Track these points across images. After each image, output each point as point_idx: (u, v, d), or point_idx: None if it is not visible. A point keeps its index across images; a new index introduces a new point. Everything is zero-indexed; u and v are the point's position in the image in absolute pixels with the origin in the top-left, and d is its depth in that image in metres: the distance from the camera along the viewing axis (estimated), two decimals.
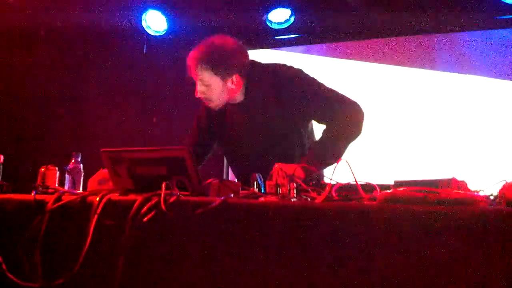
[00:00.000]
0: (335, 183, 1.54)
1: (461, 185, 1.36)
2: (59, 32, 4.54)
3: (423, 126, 4.49)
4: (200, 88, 2.25)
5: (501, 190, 1.35)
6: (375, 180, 1.56)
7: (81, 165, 2.19)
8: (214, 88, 2.23)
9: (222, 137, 2.44)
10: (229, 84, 2.23)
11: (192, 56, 2.23)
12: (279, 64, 2.35)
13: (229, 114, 2.37)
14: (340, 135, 2.18)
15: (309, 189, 1.65)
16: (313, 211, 1.35)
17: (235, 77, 2.23)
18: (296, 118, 2.28)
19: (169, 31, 4.73)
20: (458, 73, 4.50)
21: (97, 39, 4.85)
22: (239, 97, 2.30)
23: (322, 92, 2.25)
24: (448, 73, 4.53)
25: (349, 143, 2.19)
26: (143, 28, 4.69)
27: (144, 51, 4.86)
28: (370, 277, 1.24)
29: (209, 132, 2.46)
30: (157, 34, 4.73)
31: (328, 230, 1.30)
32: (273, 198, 1.59)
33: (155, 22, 4.69)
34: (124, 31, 4.79)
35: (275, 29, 4.39)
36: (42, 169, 2.09)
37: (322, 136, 2.23)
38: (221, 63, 2.20)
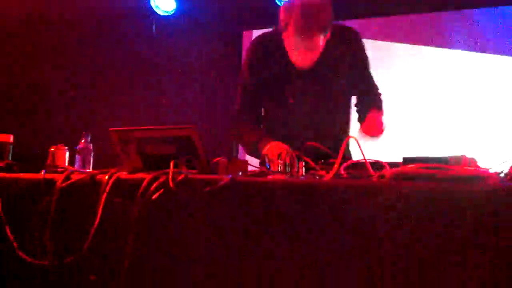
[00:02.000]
0: (344, 161, 1.54)
1: (472, 162, 1.34)
2: (69, 14, 4.54)
3: (433, 104, 4.46)
4: (308, 52, 2.12)
5: (511, 167, 1.34)
6: (385, 158, 1.55)
7: (91, 145, 2.20)
8: (318, 49, 2.11)
9: (279, 98, 2.32)
10: (321, 41, 2.10)
11: (315, 26, 2.02)
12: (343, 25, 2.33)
13: (295, 75, 2.25)
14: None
15: (318, 168, 1.64)
16: (321, 189, 1.34)
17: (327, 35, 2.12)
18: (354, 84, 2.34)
19: (177, 11, 4.71)
20: (468, 51, 4.45)
21: (105, 20, 4.84)
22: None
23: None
24: (459, 50, 4.47)
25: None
26: (152, 8, 4.67)
27: (153, 31, 4.84)
28: (378, 255, 1.23)
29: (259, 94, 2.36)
30: (166, 14, 4.71)
31: (336, 207, 1.29)
32: (281, 176, 1.58)
33: (163, 2, 4.67)
34: (132, 11, 4.78)
35: None
36: (52, 149, 2.10)
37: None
38: (329, 24, 2.08)
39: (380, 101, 2.35)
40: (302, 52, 2.11)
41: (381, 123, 2.09)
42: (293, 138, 2.14)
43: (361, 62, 2.32)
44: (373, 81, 2.39)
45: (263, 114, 2.42)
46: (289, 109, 2.29)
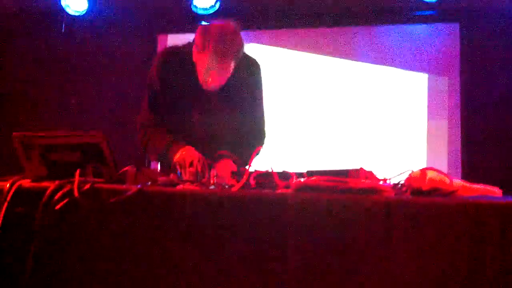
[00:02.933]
0: (253, 170, 1.58)
1: (369, 174, 1.43)
2: None
3: (339, 115, 4.64)
4: (219, 74, 2.18)
5: (407, 179, 1.45)
6: (292, 169, 1.61)
7: None
8: (229, 72, 2.18)
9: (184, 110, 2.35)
10: (232, 67, 2.18)
11: (230, 51, 2.12)
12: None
13: (202, 95, 2.29)
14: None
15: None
16: (229, 199, 1.37)
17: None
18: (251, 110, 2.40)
19: (90, 12, 4.60)
20: (372, 63, 4.68)
21: (13, 17, 4.63)
22: None
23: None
24: (364, 63, 4.70)
25: None
26: (62, 7, 4.53)
27: (62, 31, 4.69)
28: (285, 264, 1.28)
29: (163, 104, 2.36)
30: (77, 13, 4.58)
31: (244, 217, 1.33)
32: (191, 186, 1.60)
33: (74, 1, 4.54)
34: (42, 10, 4.61)
35: (200, 15, 4.37)
36: None
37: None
38: (242, 51, 2.19)
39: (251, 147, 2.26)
40: (213, 74, 2.17)
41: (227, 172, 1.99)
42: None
43: (257, 93, 2.43)
44: (260, 117, 2.44)
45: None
46: (192, 124, 2.33)
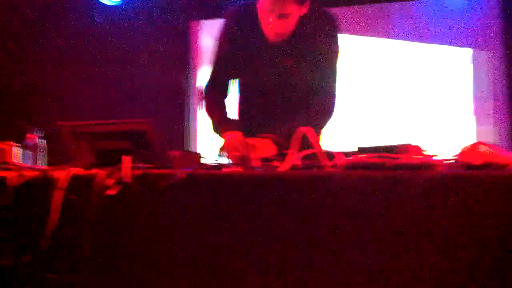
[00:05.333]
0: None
1: (417, 150, 1.41)
2: (10, 1, 4.38)
3: (384, 94, 4.58)
4: (278, 20, 2.07)
5: (459, 154, 1.41)
6: (341, 148, 1.59)
7: (44, 140, 2.14)
8: (293, 17, 2.08)
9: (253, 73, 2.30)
10: (295, 12, 2.07)
11: None
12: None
13: (269, 48, 2.20)
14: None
15: (274, 159, 1.68)
16: (276, 180, 1.38)
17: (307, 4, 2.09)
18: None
19: (124, 1, 4.64)
20: (412, 41, 4.59)
21: (48, 9, 4.70)
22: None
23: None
24: (403, 41, 4.61)
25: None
26: None
27: (97, 21, 4.74)
28: (333, 244, 1.28)
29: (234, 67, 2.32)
30: (113, 4, 4.63)
31: (292, 198, 1.33)
32: (236, 169, 1.61)
33: None
34: (77, 2, 4.67)
35: None
36: None
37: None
38: None
39: (321, 115, 2.24)
40: (274, 21, 2.07)
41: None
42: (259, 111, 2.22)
43: (329, 54, 2.24)
44: (332, 83, 2.24)
45: (239, 82, 2.39)
46: (259, 80, 2.28)
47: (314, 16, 2.15)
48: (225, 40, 2.29)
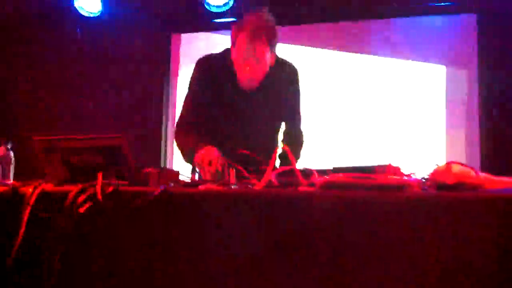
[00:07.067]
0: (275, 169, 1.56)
1: (396, 170, 1.41)
2: None
3: (362, 112, 4.60)
4: (256, 62, 2.24)
5: (432, 173, 1.42)
6: (315, 166, 1.58)
7: (11, 153, 2.09)
8: (265, 63, 2.26)
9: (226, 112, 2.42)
10: (267, 58, 2.26)
11: (264, 31, 2.21)
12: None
13: (241, 94, 2.35)
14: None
15: (249, 176, 1.66)
16: (252, 198, 1.36)
17: (273, 53, 2.29)
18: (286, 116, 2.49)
19: (104, 13, 4.61)
20: (391, 57, 4.63)
21: (27, 20, 4.64)
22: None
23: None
24: (381, 57, 4.65)
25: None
26: (76, 9, 4.55)
27: (78, 31, 4.70)
28: (309, 262, 1.26)
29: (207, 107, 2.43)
30: (91, 15, 4.59)
31: (267, 216, 1.31)
32: (213, 186, 1.59)
33: (88, 3, 4.55)
34: (55, 11, 4.62)
35: (214, 12, 4.36)
36: None
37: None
38: (275, 41, 2.27)
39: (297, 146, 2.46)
40: (249, 64, 2.22)
41: None
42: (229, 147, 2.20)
43: (294, 99, 2.51)
44: (299, 124, 2.54)
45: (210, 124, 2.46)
46: (229, 125, 2.40)
47: (279, 66, 2.38)
48: (200, 83, 2.41)
